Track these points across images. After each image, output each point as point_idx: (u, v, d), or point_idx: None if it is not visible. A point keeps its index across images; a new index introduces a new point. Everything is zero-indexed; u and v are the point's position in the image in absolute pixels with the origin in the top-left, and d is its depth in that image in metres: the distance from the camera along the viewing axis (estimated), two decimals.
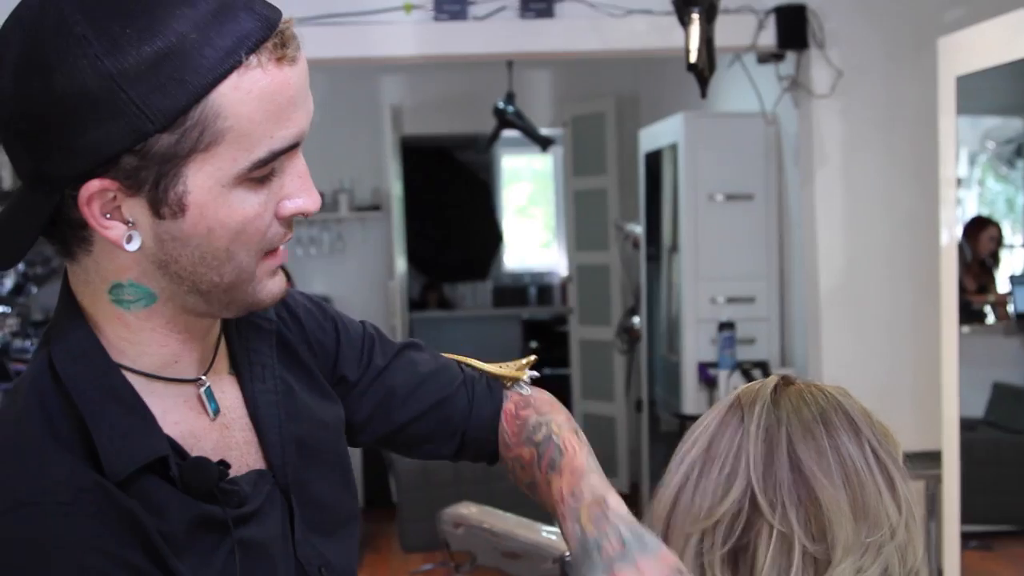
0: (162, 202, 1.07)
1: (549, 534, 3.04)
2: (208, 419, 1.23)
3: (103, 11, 1.01)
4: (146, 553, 1.12)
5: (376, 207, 7.65)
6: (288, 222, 1.16)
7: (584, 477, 1.32)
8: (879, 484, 1.11)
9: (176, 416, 1.20)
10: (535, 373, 1.52)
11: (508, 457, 1.47)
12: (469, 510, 3.29)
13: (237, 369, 1.29)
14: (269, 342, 1.32)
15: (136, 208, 1.08)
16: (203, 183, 1.07)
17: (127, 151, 1.03)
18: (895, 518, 1.10)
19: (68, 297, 1.18)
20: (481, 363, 1.52)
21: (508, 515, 3.26)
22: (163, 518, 1.14)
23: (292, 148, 1.11)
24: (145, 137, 1.03)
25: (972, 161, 8.28)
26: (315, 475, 1.32)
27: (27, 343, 6.05)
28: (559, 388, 8.65)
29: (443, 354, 1.54)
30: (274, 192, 1.13)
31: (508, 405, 1.49)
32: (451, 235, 10.55)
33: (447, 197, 10.46)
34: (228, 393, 1.27)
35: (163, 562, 1.12)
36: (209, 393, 1.23)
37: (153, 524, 1.12)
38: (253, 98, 1.05)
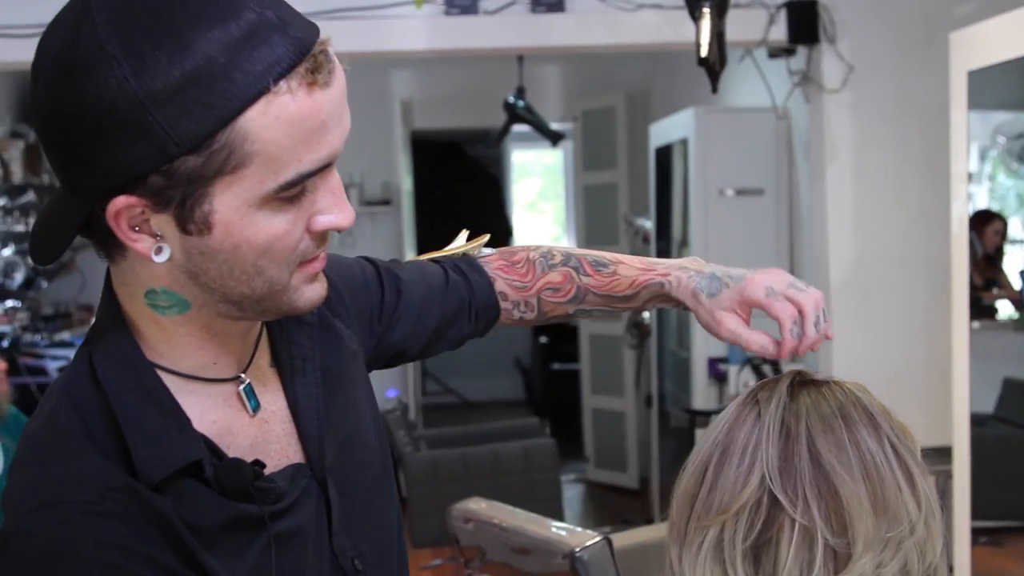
0: (188, 219, 1.07)
1: (559, 530, 3.04)
2: (247, 415, 1.24)
3: (135, 32, 1.01)
4: (176, 551, 1.12)
5: (386, 201, 7.65)
6: (322, 236, 1.16)
7: (647, 257, 1.52)
8: (899, 479, 1.10)
9: (215, 415, 1.20)
10: (491, 250, 1.62)
11: (529, 295, 1.58)
12: (479, 505, 3.29)
13: (278, 362, 1.29)
14: (311, 335, 1.32)
15: (164, 223, 1.08)
16: (230, 203, 1.07)
17: (154, 171, 1.03)
18: (915, 514, 1.10)
19: (110, 298, 1.19)
20: (441, 252, 1.62)
21: (518, 511, 3.26)
22: (197, 516, 1.14)
23: (323, 169, 1.10)
24: (171, 159, 1.03)
25: (983, 156, 8.27)
26: (352, 465, 1.33)
27: (37, 337, 6.06)
28: (569, 383, 8.67)
29: (407, 260, 1.63)
30: (305, 209, 1.12)
31: (494, 264, 1.59)
32: (461, 229, 10.53)
33: (457, 192, 10.46)
34: (269, 387, 1.28)
35: (193, 558, 1.13)
36: (249, 390, 1.24)
37: (184, 523, 1.13)
38: (282, 123, 1.04)
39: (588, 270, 1.55)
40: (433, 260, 1.61)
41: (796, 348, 1.38)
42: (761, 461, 1.11)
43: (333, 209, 1.13)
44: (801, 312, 1.36)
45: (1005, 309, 7.11)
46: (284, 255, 1.12)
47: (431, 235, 9.73)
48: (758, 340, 1.41)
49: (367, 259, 1.54)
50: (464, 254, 1.62)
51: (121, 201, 1.05)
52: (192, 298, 1.15)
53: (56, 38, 1.05)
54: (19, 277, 6.17)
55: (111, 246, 1.13)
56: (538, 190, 11.64)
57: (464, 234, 1.64)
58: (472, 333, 1.60)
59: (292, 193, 1.09)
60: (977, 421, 4.96)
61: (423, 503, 5.09)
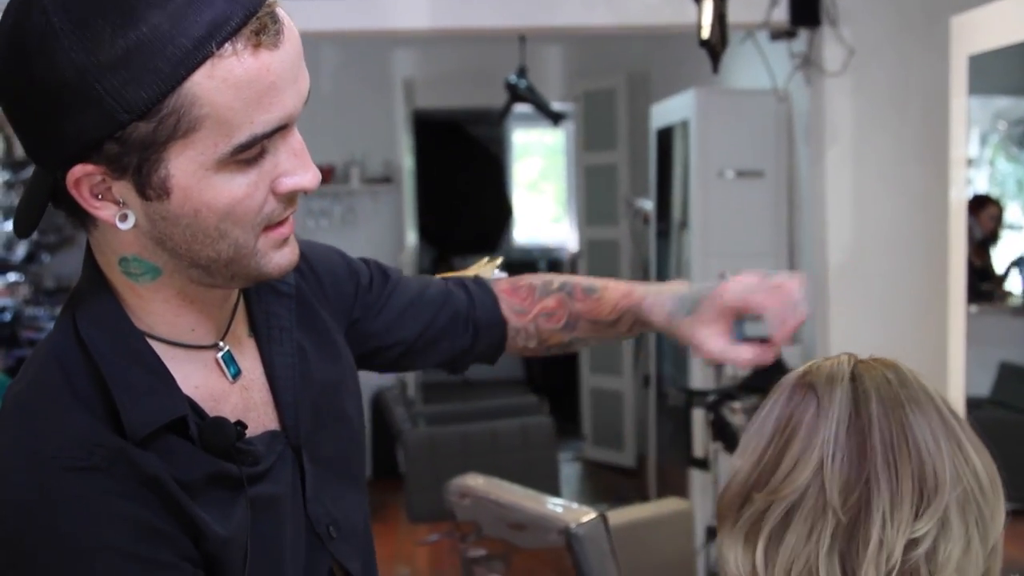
0: (147, 185, 1.09)
1: (555, 506, 3.06)
2: (228, 382, 1.26)
3: (81, 3, 1.03)
4: (164, 506, 1.15)
5: (387, 179, 7.66)
6: (288, 198, 1.17)
7: (635, 285, 1.56)
8: (965, 452, 1.11)
9: (197, 380, 1.23)
10: (504, 273, 1.65)
11: (527, 320, 1.60)
12: (476, 481, 3.31)
13: (256, 332, 1.32)
14: (288, 306, 1.35)
15: (125, 190, 1.11)
16: (185, 167, 1.09)
17: (106, 138, 1.06)
18: (973, 485, 1.10)
19: (91, 264, 1.22)
20: (454, 273, 1.65)
21: (515, 487, 3.28)
22: (183, 471, 1.17)
23: (279, 131, 1.11)
24: (122, 126, 1.04)
25: (983, 141, 8.27)
26: (326, 436, 1.35)
27: (39, 311, 6.08)
28: (567, 363, 8.68)
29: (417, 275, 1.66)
30: (267, 171, 1.13)
31: (502, 286, 1.61)
32: (462, 209, 10.55)
33: (458, 171, 10.45)
34: (247, 355, 1.30)
35: (182, 510, 1.16)
36: (228, 357, 1.27)
37: (171, 475, 1.15)
38: (229, 86, 1.06)
39: (579, 295, 1.59)
40: (443, 278, 1.65)
41: (788, 336, 1.41)
42: (828, 443, 1.10)
43: (297, 170, 1.14)
44: (783, 298, 1.41)
45: (1007, 295, 7.12)
46: (247, 218, 1.14)
47: (431, 213, 9.77)
48: (745, 354, 1.48)
49: (364, 260, 1.57)
50: (476, 275, 1.65)
51: (79, 170, 1.08)
52: (162, 264, 1.17)
53: (8, 15, 1.07)
54: (21, 251, 6.19)
55: (82, 216, 1.15)
56: (539, 170, 11.63)
57: (484, 261, 1.68)
58: (471, 349, 1.61)
59: (250, 155, 1.10)
60: (973, 404, 4.98)
61: (421, 479, 5.12)
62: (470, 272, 1.65)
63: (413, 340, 1.56)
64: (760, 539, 1.11)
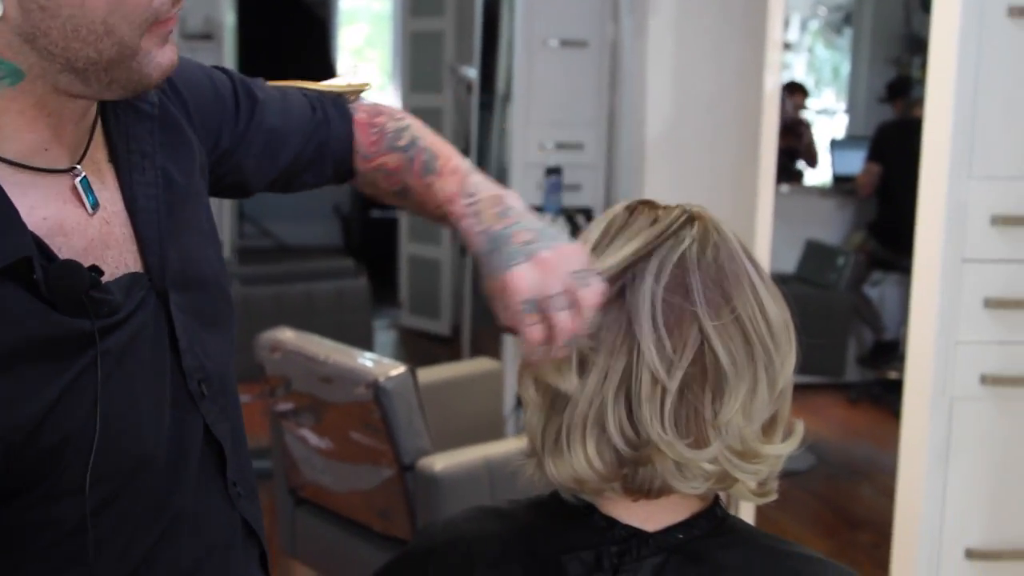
0: None
1: (364, 360, 3.07)
2: (85, 214, 1.10)
3: None
4: None
5: (207, 36, 7.43)
6: None
7: (468, 177, 1.33)
8: (759, 297, 1.13)
9: (45, 211, 1.06)
10: (366, 97, 1.49)
11: (368, 168, 1.43)
12: (286, 335, 3.29)
13: (115, 158, 1.16)
14: (150, 128, 1.19)
15: None
16: None
17: None
18: (764, 330, 1.11)
19: None
20: (318, 84, 1.48)
21: (325, 341, 3.28)
22: (16, 328, 1.02)
23: None
24: None
25: (803, 27, 8.46)
26: (196, 284, 1.21)
27: None
28: (386, 231, 8.67)
29: (278, 83, 1.48)
30: None
31: (358, 115, 1.45)
32: (285, 71, 10.32)
33: (282, 33, 10.22)
34: (107, 185, 1.14)
35: None
36: (86, 184, 1.10)
37: None
38: None
39: (417, 168, 1.39)
40: (302, 92, 1.47)
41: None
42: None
43: None
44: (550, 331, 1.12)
45: (814, 176, 7.36)
46: (137, 11, 1.01)
47: (252, 73, 9.54)
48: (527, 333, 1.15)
49: (221, 69, 1.39)
50: (339, 95, 1.47)
51: None
52: (28, 67, 1.02)
53: None
54: None
55: None
56: (365, 37, 11.47)
57: (346, 76, 1.54)
58: (331, 181, 1.48)
59: None
60: (780, 280, 5.15)
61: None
62: (334, 89, 1.48)
63: (278, 175, 1.41)
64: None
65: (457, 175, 1.34)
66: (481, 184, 1.32)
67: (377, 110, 1.46)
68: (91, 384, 1.06)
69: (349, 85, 1.48)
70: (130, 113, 1.18)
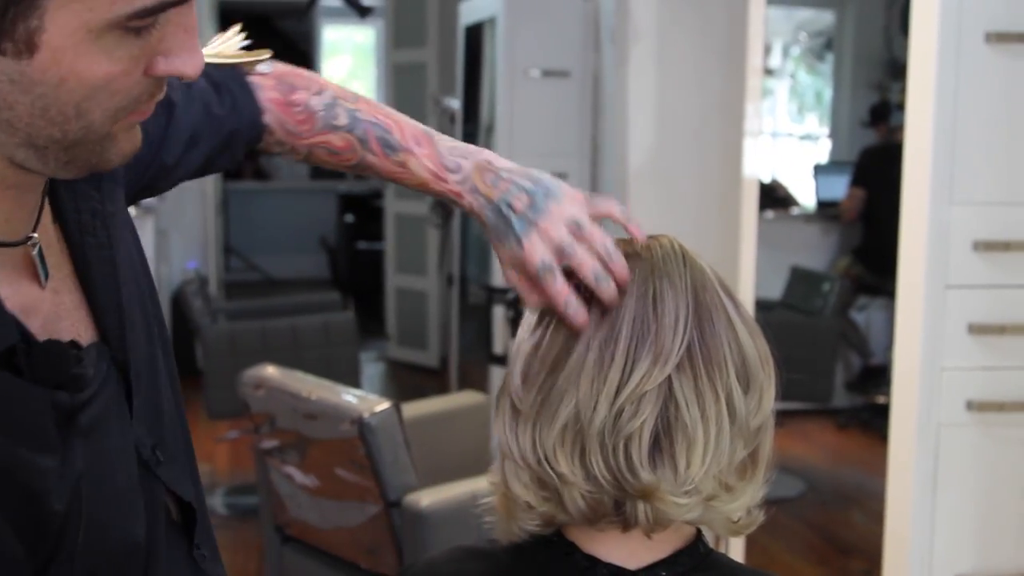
0: (6, 35, 0.85)
1: (349, 397, 3.06)
2: (38, 286, 1.01)
3: None
4: None
5: None
6: (159, 82, 0.95)
7: (437, 145, 1.34)
8: (735, 330, 1.14)
9: (8, 288, 0.97)
10: (268, 68, 1.39)
11: (301, 144, 1.36)
12: (270, 372, 3.28)
13: (61, 216, 1.06)
14: (95, 183, 1.09)
15: None
16: (65, 24, 0.86)
17: None
18: (738, 361, 1.13)
19: None
20: (216, 51, 1.34)
21: (309, 377, 3.27)
22: (15, 413, 0.96)
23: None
24: None
25: (785, 53, 8.49)
26: (145, 343, 1.13)
27: None
28: (373, 262, 8.66)
29: None
30: (151, 46, 0.91)
31: (269, 94, 1.36)
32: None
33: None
34: (52, 248, 1.05)
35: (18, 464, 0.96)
36: (41, 255, 1.01)
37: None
38: None
39: (375, 148, 1.34)
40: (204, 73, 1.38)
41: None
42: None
43: (182, 51, 0.92)
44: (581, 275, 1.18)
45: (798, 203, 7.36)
46: (115, 99, 0.92)
47: None
48: (527, 296, 1.25)
49: None
50: (236, 66, 1.36)
51: None
52: None
53: None
54: None
55: None
56: (348, 69, 11.49)
57: (237, 35, 1.37)
58: (234, 163, 1.40)
59: (143, 23, 0.89)
60: (765, 306, 5.15)
61: (220, 375, 5.04)
62: (230, 59, 1.35)
63: (193, 172, 1.32)
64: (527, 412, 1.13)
65: (424, 147, 1.34)
66: (455, 150, 1.33)
67: (289, 85, 1.37)
68: (74, 472, 0.99)
69: (245, 55, 1.36)
70: None
